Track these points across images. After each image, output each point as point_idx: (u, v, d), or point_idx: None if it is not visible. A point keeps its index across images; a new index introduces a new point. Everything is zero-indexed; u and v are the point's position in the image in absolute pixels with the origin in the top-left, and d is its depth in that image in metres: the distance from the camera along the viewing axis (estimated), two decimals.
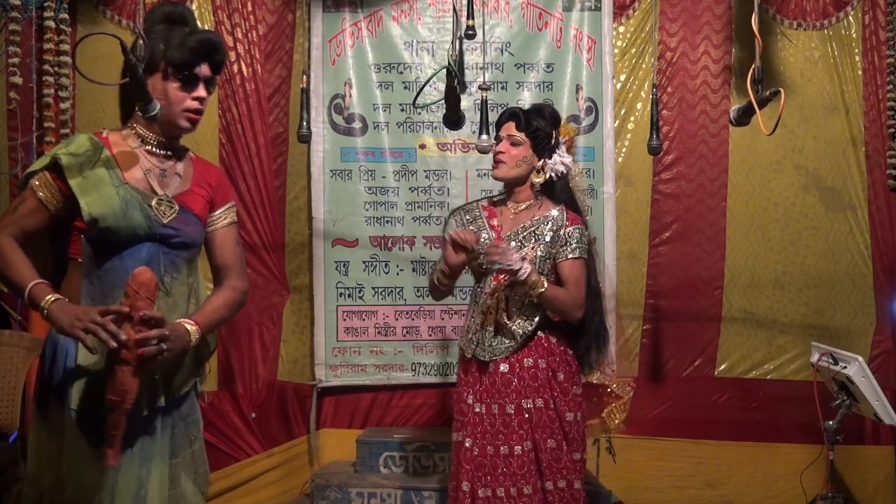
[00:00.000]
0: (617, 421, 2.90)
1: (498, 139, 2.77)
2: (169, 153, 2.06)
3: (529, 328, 2.67)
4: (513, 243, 2.69)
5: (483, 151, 2.87)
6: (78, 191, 1.93)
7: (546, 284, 2.58)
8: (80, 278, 1.96)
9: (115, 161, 1.98)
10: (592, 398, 2.85)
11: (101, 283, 1.94)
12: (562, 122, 2.82)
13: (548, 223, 2.70)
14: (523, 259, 2.56)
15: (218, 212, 2.15)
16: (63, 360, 1.94)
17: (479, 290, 2.79)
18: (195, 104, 2.02)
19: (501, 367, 2.67)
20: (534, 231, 2.70)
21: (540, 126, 2.71)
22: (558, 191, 2.76)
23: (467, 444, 2.68)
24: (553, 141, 2.74)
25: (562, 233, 2.69)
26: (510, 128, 2.74)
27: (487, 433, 2.66)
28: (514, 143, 2.72)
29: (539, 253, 2.67)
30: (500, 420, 2.64)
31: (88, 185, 1.94)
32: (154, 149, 2.04)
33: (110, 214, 1.93)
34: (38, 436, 1.99)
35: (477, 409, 2.69)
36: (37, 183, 1.95)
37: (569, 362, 2.72)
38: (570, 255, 2.68)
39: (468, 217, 2.83)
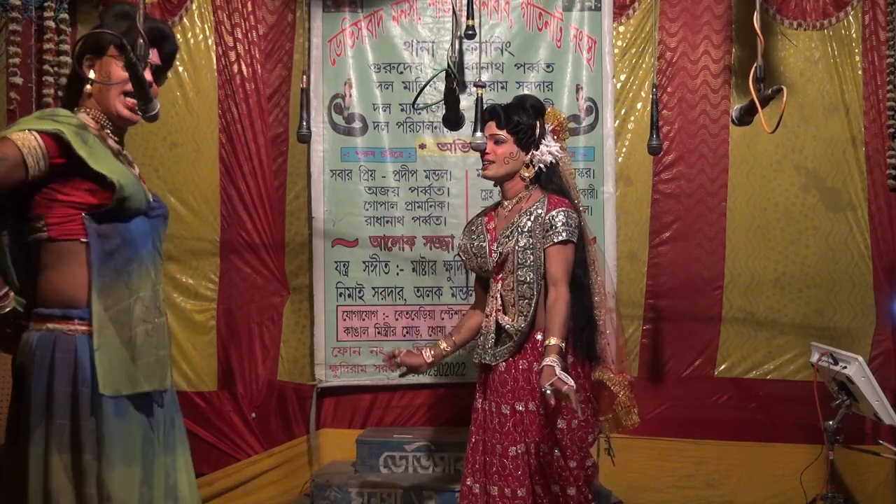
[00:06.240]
0: (634, 417, 2.86)
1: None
2: (119, 139, 2.04)
3: (523, 324, 2.66)
4: (501, 241, 2.71)
5: (477, 149, 2.88)
6: (92, 160, 1.86)
7: (552, 343, 2.48)
8: (84, 257, 1.87)
9: (101, 138, 1.96)
10: (604, 392, 2.86)
11: (112, 259, 1.89)
12: (547, 110, 2.81)
13: (530, 213, 2.69)
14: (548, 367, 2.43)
15: None
16: (75, 363, 1.86)
17: (488, 296, 2.82)
18: None
19: (500, 367, 2.69)
20: (517, 223, 2.69)
21: (521, 120, 2.71)
22: (545, 180, 2.76)
23: (473, 441, 2.75)
24: (537, 132, 2.74)
25: (543, 219, 2.66)
26: (491, 127, 2.74)
27: (489, 431, 2.69)
28: (498, 142, 2.73)
29: (519, 244, 2.66)
30: (498, 419, 2.66)
31: (97, 155, 1.89)
32: (111, 133, 2.01)
33: (129, 185, 1.91)
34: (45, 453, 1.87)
35: (484, 407, 2.74)
36: (22, 138, 1.81)
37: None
38: (554, 241, 2.64)
39: (473, 227, 2.87)
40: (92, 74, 1.97)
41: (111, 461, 1.84)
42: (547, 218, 2.65)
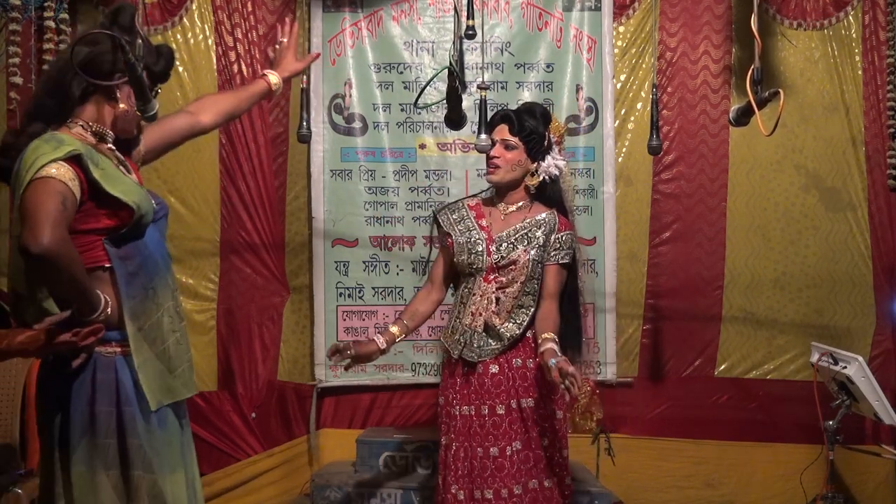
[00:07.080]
0: (590, 423, 2.92)
1: (492, 142, 2.73)
2: (114, 147, 2.03)
3: (517, 331, 2.68)
4: (503, 245, 2.69)
5: (482, 151, 2.86)
6: (106, 183, 1.84)
7: (554, 348, 2.54)
8: (110, 282, 1.88)
9: (102, 153, 1.94)
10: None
11: (137, 279, 1.90)
12: (552, 120, 2.80)
13: (540, 227, 2.71)
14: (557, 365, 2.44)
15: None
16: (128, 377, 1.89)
17: (466, 290, 2.77)
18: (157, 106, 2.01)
19: (492, 368, 2.67)
20: (526, 234, 2.70)
21: (533, 129, 2.69)
22: (549, 193, 2.76)
23: (454, 448, 2.68)
24: (546, 142, 2.73)
25: (553, 237, 2.70)
26: (503, 131, 2.70)
27: (477, 435, 2.65)
28: (509, 147, 2.69)
29: (532, 256, 2.68)
30: (490, 421, 2.63)
31: (109, 177, 1.87)
32: (110, 144, 2.00)
33: (142, 201, 1.91)
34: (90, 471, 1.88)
35: (464, 412, 2.69)
36: (61, 172, 1.76)
37: None
38: (559, 261, 2.72)
39: (455, 216, 2.81)
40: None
41: (163, 471, 1.89)
42: (558, 237, 2.71)
